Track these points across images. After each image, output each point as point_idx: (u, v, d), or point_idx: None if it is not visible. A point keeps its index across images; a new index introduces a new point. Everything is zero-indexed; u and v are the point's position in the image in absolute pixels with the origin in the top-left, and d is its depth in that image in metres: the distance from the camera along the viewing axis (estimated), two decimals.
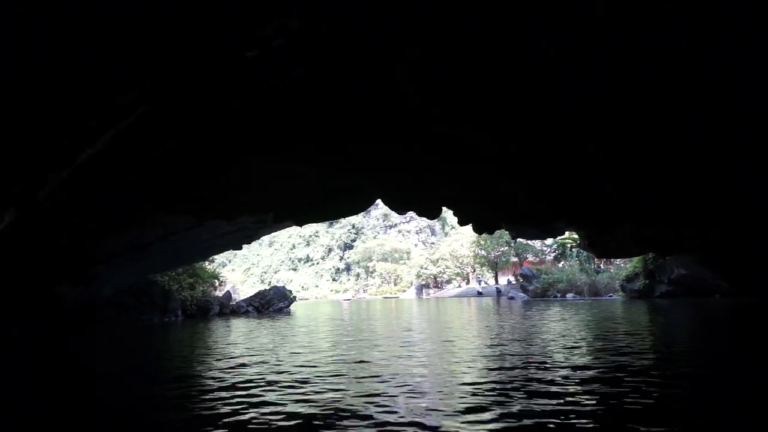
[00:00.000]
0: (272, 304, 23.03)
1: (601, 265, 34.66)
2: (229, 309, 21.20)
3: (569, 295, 29.38)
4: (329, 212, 8.92)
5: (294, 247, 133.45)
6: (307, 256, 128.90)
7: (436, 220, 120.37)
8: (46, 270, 11.17)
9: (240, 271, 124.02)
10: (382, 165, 7.43)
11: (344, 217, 15.31)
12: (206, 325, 14.58)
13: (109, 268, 13.06)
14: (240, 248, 16.77)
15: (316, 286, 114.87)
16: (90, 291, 14.40)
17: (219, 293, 23.80)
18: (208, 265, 21.77)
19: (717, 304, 16.90)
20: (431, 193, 8.20)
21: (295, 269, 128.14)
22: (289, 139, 6.98)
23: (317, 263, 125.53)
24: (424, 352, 6.95)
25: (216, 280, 22.28)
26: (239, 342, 9.52)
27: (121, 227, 9.49)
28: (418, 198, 8.34)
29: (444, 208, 10.33)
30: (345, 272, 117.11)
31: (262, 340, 9.58)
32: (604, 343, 7.20)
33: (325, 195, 8.41)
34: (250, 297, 23.78)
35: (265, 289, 25.13)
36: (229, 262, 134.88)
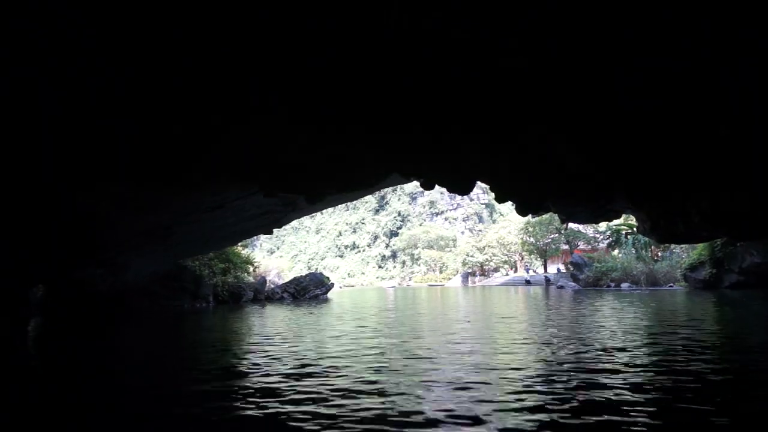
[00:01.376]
0: (308, 290, 22.45)
1: (659, 253, 32.17)
2: (263, 295, 20.76)
3: (624, 285, 27.30)
4: (328, 184, 7.74)
5: (340, 234, 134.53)
6: (354, 243, 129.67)
7: (484, 206, 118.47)
8: (63, 254, 10.81)
9: (288, 257, 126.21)
10: (386, 128, 6.23)
11: (353, 191, 13.47)
12: (233, 312, 14.04)
13: (131, 254, 12.67)
14: (270, 233, 16.11)
15: (362, 273, 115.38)
16: (117, 277, 14.14)
17: (257, 278, 23.52)
18: (242, 250, 21.36)
19: None
20: (454, 163, 6.96)
21: (341, 256, 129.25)
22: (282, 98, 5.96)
23: (363, 250, 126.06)
24: (470, 354, 5.87)
25: (250, 266, 21.85)
26: (243, 333, 8.76)
27: (128, 212, 8.89)
28: (439, 169, 7.13)
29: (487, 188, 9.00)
30: (391, 259, 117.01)
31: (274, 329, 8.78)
32: (673, 347, 5.89)
33: (320, 164, 7.24)
34: (286, 283, 23.31)
35: (302, 276, 24.59)
36: (277, 248, 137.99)
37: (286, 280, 34.44)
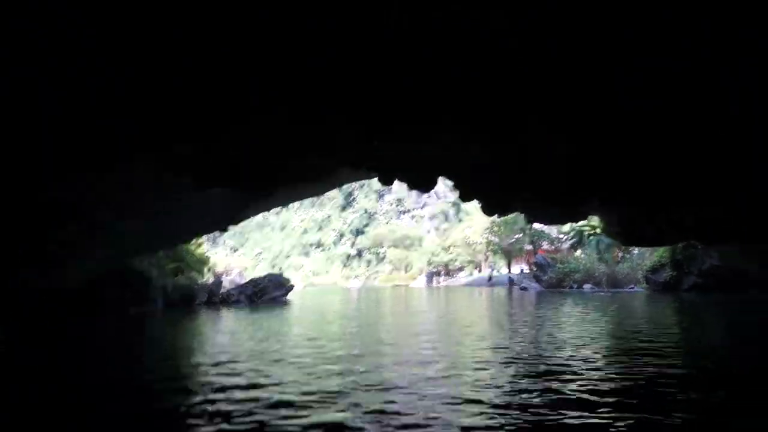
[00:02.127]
0: (266, 292, 21.44)
1: (620, 255, 32.57)
2: (218, 297, 19.71)
3: (586, 286, 27.49)
4: (271, 180, 6.96)
5: (306, 231, 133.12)
6: (319, 240, 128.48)
7: (450, 204, 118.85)
8: None
9: (251, 255, 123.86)
10: (331, 109, 5.70)
11: (301, 187, 11.59)
12: (181, 321, 13.17)
13: (66, 251, 11.63)
14: (225, 230, 15.20)
15: (327, 272, 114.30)
16: (51, 278, 13.02)
17: (217, 277, 22.44)
18: (196, 249, 20.19)
19: (756, 300, 15.06)
20: (416, 157, 6.40)
21: (306, 254, 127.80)
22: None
23: (329, 248, 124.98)
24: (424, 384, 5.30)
25: (204, 266, 20.69)
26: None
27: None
28: (400, 164, 6.51)
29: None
30: (356, 258, 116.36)
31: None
32: (637, 364, 5.46)
33: (261, 157, 6.48)
34: (242, 285, 22.22)
35: (259, 277, 23.56)
36: (241, 246, 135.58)
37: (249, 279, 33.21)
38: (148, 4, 4.62)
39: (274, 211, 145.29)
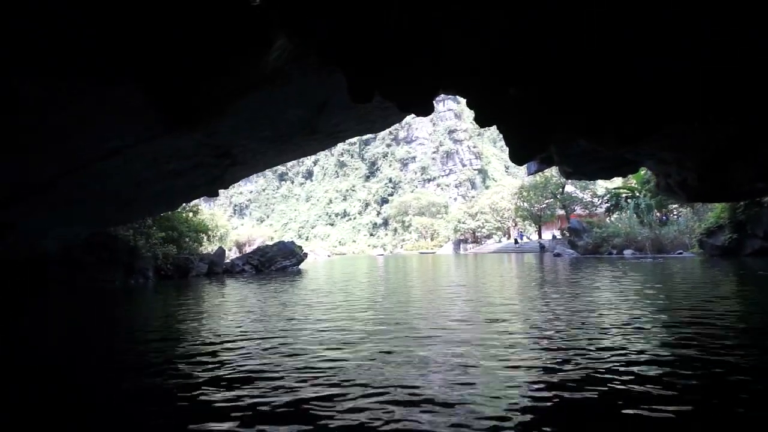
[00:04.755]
0: (275, 262, 19.79)
1: (663, 218, 29.73)
2: (221, 268, 18.12)
3: (627, 252, 24.96)
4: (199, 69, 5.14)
5: (331, 201, 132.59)
6: (344, 210, 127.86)
7: (477, 172, 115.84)
8: None
9: (278, 226, 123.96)
10: None
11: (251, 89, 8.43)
12: (170, 294, 11.55)
13: (25, 217, 10.09)
14: (215, 194, 13.30)
15: (354, 241, 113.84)
16: (18, 245, 11.54)
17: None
18: (192, 216, 18.42)
19: None
20: (408, 55, 4.52)
21: (332, 224, 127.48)
22: None
23: (354, 218, 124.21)
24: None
25: (204, 234, 18.97)
26: None
27: None
28: (378, 61, 4.55)
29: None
30: (382, 227, 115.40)
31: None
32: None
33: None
34: (248, 254, 20.57)
35: (267, 245, 21.91)
36: (267, 217, 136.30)
37: None
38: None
39: (298, 182, 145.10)
